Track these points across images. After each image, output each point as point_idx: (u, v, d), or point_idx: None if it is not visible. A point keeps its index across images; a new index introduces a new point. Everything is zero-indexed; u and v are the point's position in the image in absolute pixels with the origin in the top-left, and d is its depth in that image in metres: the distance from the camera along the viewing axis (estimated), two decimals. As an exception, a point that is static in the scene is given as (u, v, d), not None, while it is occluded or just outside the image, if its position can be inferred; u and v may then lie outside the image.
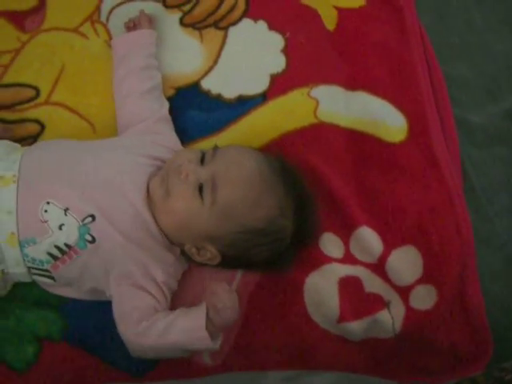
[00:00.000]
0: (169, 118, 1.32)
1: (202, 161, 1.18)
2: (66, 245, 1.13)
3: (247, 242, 1.17)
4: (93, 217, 1.13)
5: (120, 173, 1.17)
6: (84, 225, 1.13)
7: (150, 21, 1.38)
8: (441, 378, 1.24)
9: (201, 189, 1.14)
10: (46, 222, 1.12)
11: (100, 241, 1.14)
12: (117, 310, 1.15)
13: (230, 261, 1.20)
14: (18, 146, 1.26)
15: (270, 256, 1.21)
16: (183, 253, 1.20)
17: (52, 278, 1.17)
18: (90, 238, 1.13)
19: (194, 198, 1.14)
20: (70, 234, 1.13)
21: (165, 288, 1.17)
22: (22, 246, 1.13)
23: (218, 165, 1.16)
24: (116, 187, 1.16)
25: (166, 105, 1.33)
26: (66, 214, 1.13)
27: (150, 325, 1.12)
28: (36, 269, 1.16)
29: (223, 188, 1.14)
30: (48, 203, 1.13)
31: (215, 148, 1.20)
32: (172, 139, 1.30)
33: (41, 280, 1.19)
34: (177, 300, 1.21)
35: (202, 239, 1.16)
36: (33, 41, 1.38)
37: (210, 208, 1.14)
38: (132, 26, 1.37)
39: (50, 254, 1.14)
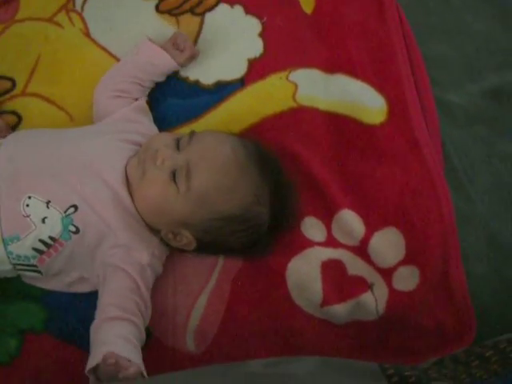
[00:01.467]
0: (146, 107, 1.31)
1: (178, 145, 1.17)
2: (51, 237, 1.13)
3: (222, 228, 1.17)
4: (75, 207, 1.13)
5: (98, 157, 1.17)
6: (67, 216, 1.13)
7: (192, 57, 1.35)
8: (425, 358, 1.24)
9: (175, 174, 1.14)
10: (28, 216, 1.12)
11: (84, 230, 1.13)
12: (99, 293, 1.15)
13: (206, 246, 1.20)
14: None
15: (247, 242, 1.21)
16: (161, 238, 1.20)
17: (39, 271, 1.16)
18: (73, 229, 1.13)
19: (168, 184, 1.14)
20: (53, 227, 1.13)
21: (149, 270, 1.16)
22: (5, 243, 1.12)
23: (193, 151, 1.16)
24: (94, 172, 1.15)
25: (144, 97, 1.32)
26: (48, 207, 1.12)
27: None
28: (22, 265, 1.15)
29: (197, 175, 1.14)
30: (29, 197, 1.12)
31: (192, 133, 1.20)
32: (150, 128, 1.29)
33: (27, 274, 1.18)
34: (159, 287, 1.21)
35: (176, 225, 1.16)
36: (7, 32, 1.37)
37: (184, 195, 1.14)
38: (173, 45, 1.33)
39: (35, 249, 1.13)
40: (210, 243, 1.19)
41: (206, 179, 1.14)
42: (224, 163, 1.16)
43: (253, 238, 1.21)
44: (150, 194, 1.15)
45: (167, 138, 1.20)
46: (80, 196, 1.13)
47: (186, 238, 1.18)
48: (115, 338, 1.07)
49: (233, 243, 1.20)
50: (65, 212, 1.13)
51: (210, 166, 1.15)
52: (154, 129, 1.29)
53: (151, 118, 1.31)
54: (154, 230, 1.19)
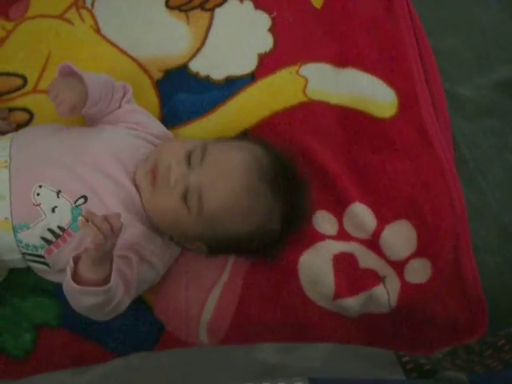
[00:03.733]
0: (137, 107, 1.28)
1: (190, 160, 1.16)
2: (60, 227, 1.13)
3: (234, 244, 1.19)
4: (85, 198, 1.14)
5: (110, 154, 1.18)
6: (77, 206, 1.13)
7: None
8: (438, 350, 1.24)
9: (186, 194, 1.14)
10: (38, 205, 1.13)
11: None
12: None
13: (218, 252, 1.22)
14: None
15: (259, 249, 1.22)
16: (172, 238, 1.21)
17: (46, 264, 1.17)
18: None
19: (179, 205, 1.14)
20: (63, 216, 1.13)
21: (146, 265, 1.16)
22: (15, 231, 1.13)
23: (205, 173, 1.15)
24: (105, 168, 1.16)
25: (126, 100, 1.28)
26: (58, 197, 1.13)
27: None
28: (30, 255, 1.16)
29: (210, 200, 1.14)
30: (40, 186, 1.13)
31: (204, 147, 1.17)
32: (154, 126, 1.27)
33: (35, 266, 1.19)
34: (172, 281, 1.22)
35: (188, 237, 1.18)
36: (18, 29, 1.38)
37: (196, 216, 1.14)
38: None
39: (44, 239, 1.14)
40: (221, 250, 1.22)
41: (219, 205, 1.14)
42: (236, 190, 1.15)
43: (262, 245, 1.22)
44: (160, 210, 1.15)
45: (178, 151, 1.17)
46: (90, 188, 1.14)
47: (198, 245, 1.20)
48: None
49: (244, 250, 1.22)
50: (75, 202, 1.13)
51: (222, 194, 1.14)
52: (158, 125, 1.28)
53: (148, 115, 1.29)
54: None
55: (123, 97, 1.26)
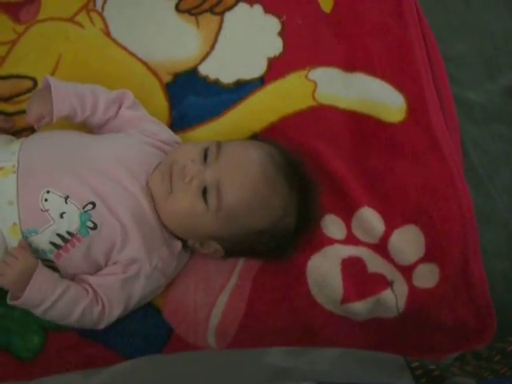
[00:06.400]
0: (143, 115, 1.29)
1: (205, 157, 1.17)
2: (68, 233, 1.14)
3: (251, 241, 1.19)
4: (93, 204, 1.14)
5: (117, 160, 1.18)
6: (85, 212, 1.13)
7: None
8: (445, 355, 1.24)
9: (204, 191, 1.14)
10: (46, 210, 1.13)
11: (101, 227, 1.14)
12: None
13: (233, 253, 1.22)
14: (13, 138, 1.26)
15: (272, 247, 1.22)
16: (186, 244, 1.21)
17: (56, 269, 1.17)
18: (91, 225, 1.14)
19: (198, 202, 1.14)
20: (71, 222, 1.13)
21: (143, 279, 1.17)
22: (24, 236, 1.13)
23: (222, 168, 1.15)
24: (114, 176, 1.16)
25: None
26: (66, 202, 1.13)
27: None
28: (40, 259, 1.15)
29: (228, 194, 1.14)
30: (48, 192, 1.13)
31: (219, 144, 1.19)
32: (163, 132, 1.28)
33: (45, 271, 1.19)
34: (181, 285, 1.23)
35: (205, 238, 1.18)
36: (29, 31, 1.38)
37: (214, 213, 1.14)
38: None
39: (53, 244, 1.14)
40: (237, 251, 1.22)
41: (237, 199, 1.14)
42: (254, 181, 1.15)
43: (278, 243, 1.22)
44: (178, 211, 1.15)
45: (193, 150, 1.18)
46: (98, 195, 1.14)
47: (214, 248, 1.20)
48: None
49: (258, 249, 1.22)
50: (83, 208, 1.13)
51: (240, 185, 1.15)
52: (166, 131, 1.28)
53: (155, 120, 1.29)
54: (176, 239, 1.20)
55: (120, 106, 1.26)
